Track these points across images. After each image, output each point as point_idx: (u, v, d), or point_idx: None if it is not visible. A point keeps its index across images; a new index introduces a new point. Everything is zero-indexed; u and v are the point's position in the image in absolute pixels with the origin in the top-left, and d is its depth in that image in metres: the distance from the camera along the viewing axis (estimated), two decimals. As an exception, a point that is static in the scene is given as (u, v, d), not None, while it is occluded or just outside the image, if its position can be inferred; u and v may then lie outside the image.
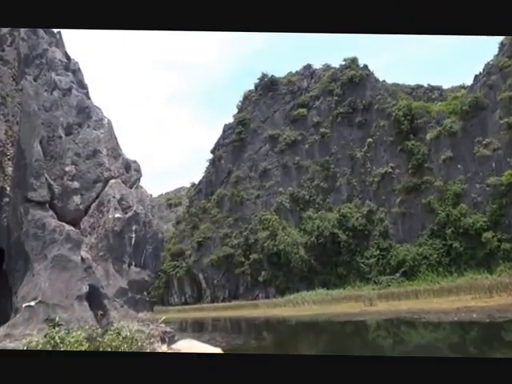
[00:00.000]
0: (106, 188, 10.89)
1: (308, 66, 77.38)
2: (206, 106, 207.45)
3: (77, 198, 10.09)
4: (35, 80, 10.18)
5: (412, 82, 75.88)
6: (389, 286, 50.70)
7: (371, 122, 63.26)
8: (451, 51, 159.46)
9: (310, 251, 60.96)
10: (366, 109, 64.34)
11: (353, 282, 55.63)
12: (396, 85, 70.62)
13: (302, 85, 75.85)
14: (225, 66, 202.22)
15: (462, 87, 64.38)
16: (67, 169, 9.95)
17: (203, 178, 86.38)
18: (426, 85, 74.69)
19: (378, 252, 56.27)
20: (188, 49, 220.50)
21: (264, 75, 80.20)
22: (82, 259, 9.69)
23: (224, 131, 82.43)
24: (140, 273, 11.18)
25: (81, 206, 10.17)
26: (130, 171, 12.13)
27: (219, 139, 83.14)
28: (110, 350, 7.90)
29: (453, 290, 37.91)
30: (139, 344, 8.70)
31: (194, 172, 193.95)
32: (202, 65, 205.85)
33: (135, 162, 12.81)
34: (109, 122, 11.37)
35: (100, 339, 8.43)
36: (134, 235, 10.89)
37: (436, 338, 22.36)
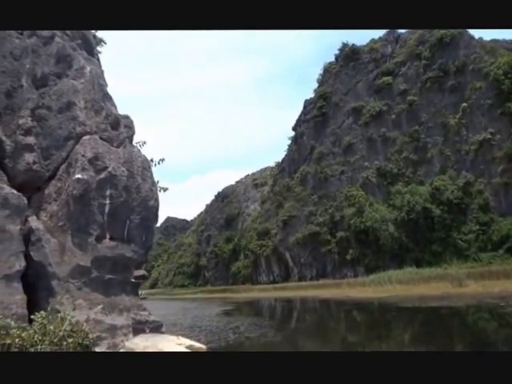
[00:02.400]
0: (77, 146, 9.14)
1: (392, 31, 72.04)
2: (288, 85, 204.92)
3: (29, 156, 8.26)
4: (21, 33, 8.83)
5: (514, 36, 67.49)
6: (490, 263, 46.17)
7: (465, 85, 57.43)
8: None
9: (401, 228, 57.63)
10: (460, 71, 58.50)
11: (449, 259, 51.50)
12: (495, 41, 63.14)
13: (386, 51, 71.09)
14: (304, 42, 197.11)
15: None
16: (20, 122, 8.31)
17: (286, 156, 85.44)
18: (530, 37, 65.96)
19: (478, 227, 51.47)
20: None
21: (344, 45, 76.48)
22: (31, 230, 8.00)
23: (305, 107, 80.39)
24: (117, 248, 9.11)
25: (35, 166, 8.29)
26: (119, 128, 10.08)
27: (300, 115, 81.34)
28: (21, 347, 5.85)
29: None
30: (71, 340, 6.51)
31: (279, 151, 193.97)
32: (281, 44, 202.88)
33: (127, 117, 10.68)
34: (92, 71, 9.51)
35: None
36: (107, 201, 9.04)
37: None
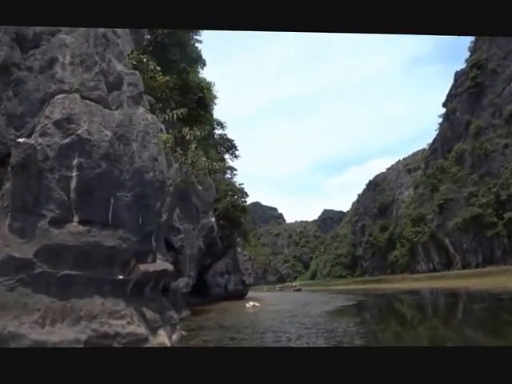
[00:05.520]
0: (47, 107, 7.31)
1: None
2: (437, 62, 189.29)
3: None
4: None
5: None
6: None
7: None
8: None
9: None
10: None
11: None
12: None
13: (554, -1, 60.83)
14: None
15: None
16: None
17: (437, 135, 79.32)
18: None
19: None
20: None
21: (499, 2, 67.72)
22: None
23: (455, 80, 73.58)
24: (88, 234, 6.92)
25: None
26: (122, 87, 8.15)
27: (451, 89, 74.68)
28: None
29: None
30: None
31: (431, 132, 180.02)
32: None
33: (133, 73, 8.57)
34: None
35: None
36: (74, 173, 6.91)
37: None
